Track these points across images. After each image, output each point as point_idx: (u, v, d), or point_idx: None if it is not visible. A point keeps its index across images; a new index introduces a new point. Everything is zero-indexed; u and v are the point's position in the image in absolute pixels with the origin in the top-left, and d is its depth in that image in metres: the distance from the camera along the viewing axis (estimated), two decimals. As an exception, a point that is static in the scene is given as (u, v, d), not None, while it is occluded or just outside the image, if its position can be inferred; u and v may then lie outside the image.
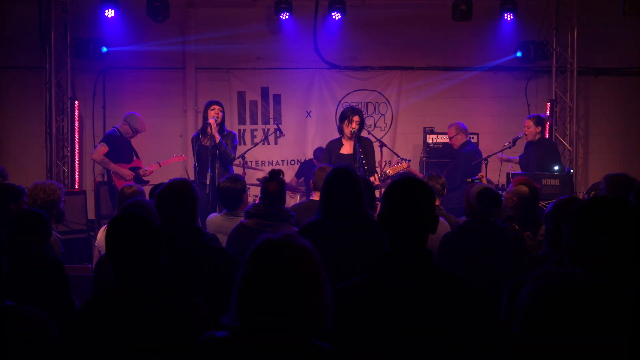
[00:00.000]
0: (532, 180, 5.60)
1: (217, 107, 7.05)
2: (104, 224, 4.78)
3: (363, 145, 6.86)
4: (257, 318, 1.86)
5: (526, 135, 8.13)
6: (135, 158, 8.28)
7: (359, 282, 2.30)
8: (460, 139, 8.40)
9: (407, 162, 7.47)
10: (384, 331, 2.19)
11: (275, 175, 4.29)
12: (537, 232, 4.58)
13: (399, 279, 2.25)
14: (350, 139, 6.83)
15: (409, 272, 2.25)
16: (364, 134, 7.17)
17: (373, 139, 7.87)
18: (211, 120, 6.86)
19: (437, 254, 4.09)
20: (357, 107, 7.86)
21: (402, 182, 2.39)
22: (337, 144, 7.00)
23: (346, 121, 6.83)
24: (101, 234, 4.82)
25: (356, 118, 6.80)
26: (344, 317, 2.20)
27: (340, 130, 7.03)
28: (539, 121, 8.18)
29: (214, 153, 6.84)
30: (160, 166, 8.30)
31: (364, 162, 6.50)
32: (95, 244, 5.11)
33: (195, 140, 7.14)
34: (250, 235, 4.00)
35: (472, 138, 9.09)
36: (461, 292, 2.24)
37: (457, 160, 8.30)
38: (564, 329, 1.50)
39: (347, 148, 6.90)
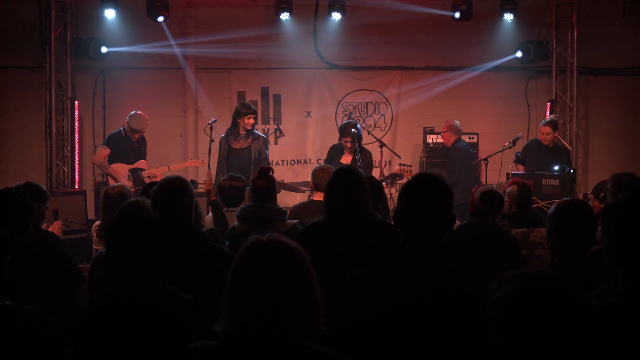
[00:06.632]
0: (523, 179, 5.66)
1: (252, 116, 7.21)
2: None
3: (364, 156, 6.99)
4: (246, 321, 1.82)
5: (545, 141, 7.92)
6: (141, 159, 8.22)
7: (372, 273, 2.28)
8: (451, 137, 8.41)
9: (408, 166, 7.67)
10: (390, 327, 2.16)
11: (265, 172, 4.25)
12: (531, 231, 4.56)
13: (410, 275, 2.23)
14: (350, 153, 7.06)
15: (420, 270, 2.24)
16: (364, 135, 7.27)
17: (373, 139, 7.92)
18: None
19: None
20: (353, 120, 8.19)
21: (419, 180, 2.38)
22: (339, 151, 7.14)
23: (344, 138, 7.10)
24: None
25: (348, 138, 6.96)
26: (351, 304, 2.20)
27: (341, 143, 7.23)
28: (556, 126, 8.07)
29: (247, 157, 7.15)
30: (169, 170, 8.08)
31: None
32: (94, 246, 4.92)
33: (225, 141, 7.28)
34: (241, 239, 3.99)
35: (472, 138, 9.10)
36: (473, 291, 2.20)
37: (451, 156, 8.33)
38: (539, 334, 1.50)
39: (346, 158, 7.05)
